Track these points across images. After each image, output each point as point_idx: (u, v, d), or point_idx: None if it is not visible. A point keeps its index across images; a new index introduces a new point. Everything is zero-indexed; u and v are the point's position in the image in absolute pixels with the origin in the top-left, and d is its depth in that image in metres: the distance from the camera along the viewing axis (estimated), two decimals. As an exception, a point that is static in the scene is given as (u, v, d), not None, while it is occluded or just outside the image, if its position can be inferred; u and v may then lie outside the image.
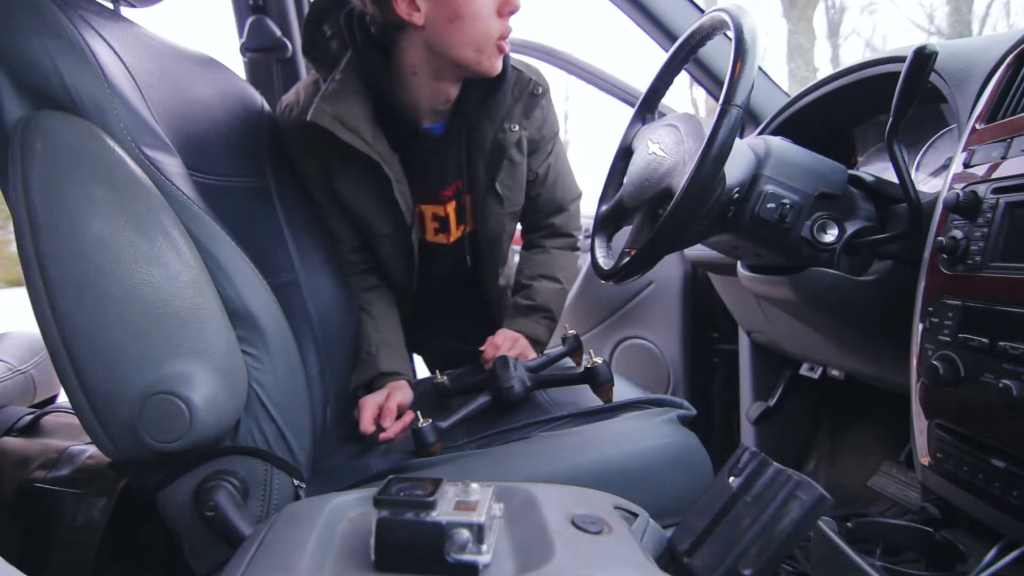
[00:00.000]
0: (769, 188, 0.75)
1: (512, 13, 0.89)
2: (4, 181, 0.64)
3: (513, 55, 1.01)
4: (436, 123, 0.99)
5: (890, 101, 0.69)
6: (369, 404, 0.96)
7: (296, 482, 0.76)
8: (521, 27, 1.04)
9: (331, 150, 0.95)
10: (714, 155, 0.68)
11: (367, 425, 0.93)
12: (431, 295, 1.17)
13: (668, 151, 0.79)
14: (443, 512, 0.43)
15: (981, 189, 0.63)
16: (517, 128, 1.01)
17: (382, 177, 0.96)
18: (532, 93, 1.02)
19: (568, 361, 1.04)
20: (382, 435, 0.92)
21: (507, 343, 1.07)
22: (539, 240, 1.19)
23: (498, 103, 0.98)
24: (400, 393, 1.00)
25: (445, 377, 1.03)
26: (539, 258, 1.17)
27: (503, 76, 0.96)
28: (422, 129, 0.98)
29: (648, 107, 0.93)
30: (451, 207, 1.07)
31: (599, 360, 0.89)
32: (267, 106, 1.05)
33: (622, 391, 0.96)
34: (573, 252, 1.21)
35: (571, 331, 1.05)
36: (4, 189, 0.64)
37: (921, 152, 0.92)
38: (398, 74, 0.94)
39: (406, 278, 1.10)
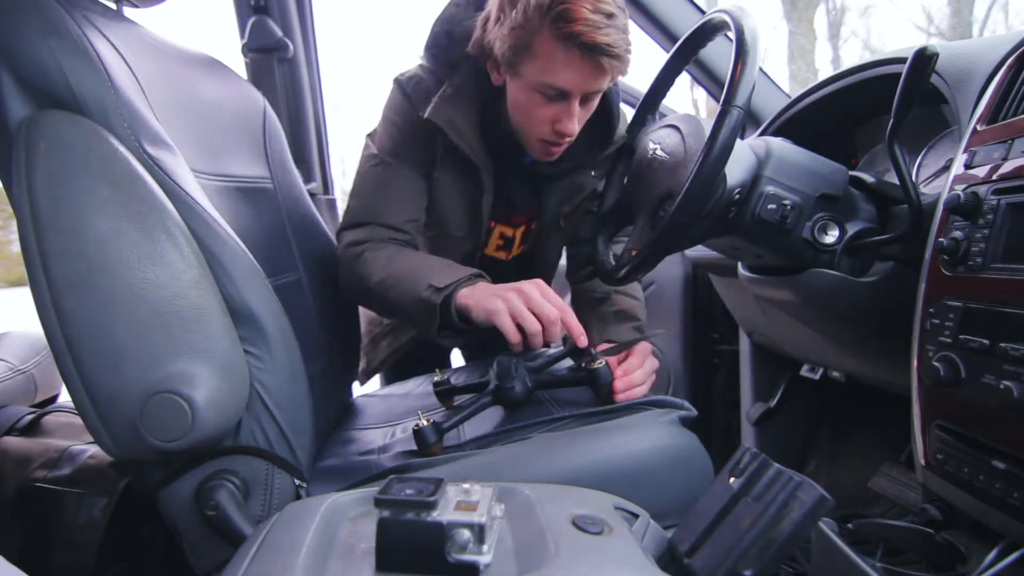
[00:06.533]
0: (770, 189, 0.75)
1: (561, 135, 0.91)
2: (8, 180, 0.64)
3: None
4: (528, 154, 1.01)
5: (891, 102, 0.70)
6: (517, 309, 0.80)
7: (297, 482, 0.76)
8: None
9: (441, 143, 0.99)
10: (715, 156, 0.68)
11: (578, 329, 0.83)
12: None
13: (669, 152, 0.79)
14: (444, 512, 0.43)
15: (982, 190, 0.63)
16: (595, 174, 1.06)
17: (476, 184, 1.01)
18: (621, 150, 1.02)
19: (569, 361, 1.04)
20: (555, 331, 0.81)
21: (648, 364, 0.92)
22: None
23: (596, 161, 1.04)
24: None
25: (446, 375, 1.03)
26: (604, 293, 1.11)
27: (608, 138, 1.01)
28: (515, 153, 1.00)
29: (649, 108, 0.93)
30: (520, 231, 1.12)
31: (601, 362, 0.89)
32: (269, 106, 1.05)
33: (623, 392, 0.95)
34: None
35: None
36: (8, 188, 0.64)
37: (922, 153, 0.92)
38: (502, 102, 0.97)
39: None
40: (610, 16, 0.82)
